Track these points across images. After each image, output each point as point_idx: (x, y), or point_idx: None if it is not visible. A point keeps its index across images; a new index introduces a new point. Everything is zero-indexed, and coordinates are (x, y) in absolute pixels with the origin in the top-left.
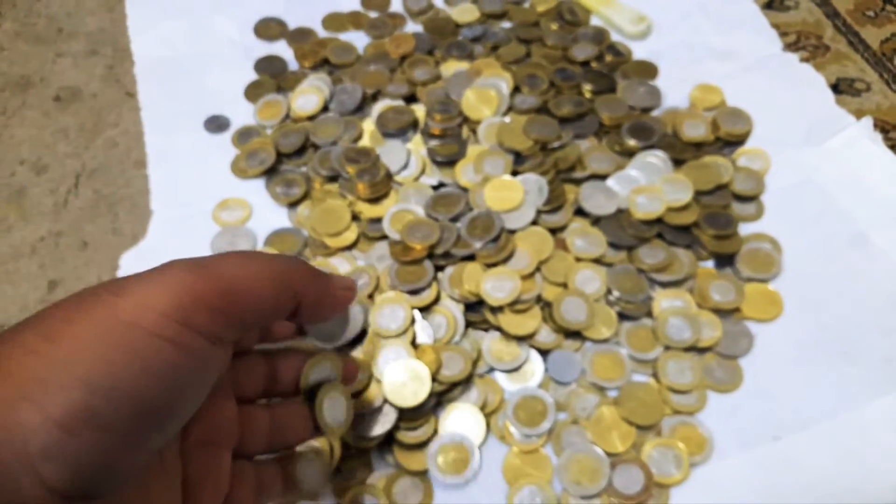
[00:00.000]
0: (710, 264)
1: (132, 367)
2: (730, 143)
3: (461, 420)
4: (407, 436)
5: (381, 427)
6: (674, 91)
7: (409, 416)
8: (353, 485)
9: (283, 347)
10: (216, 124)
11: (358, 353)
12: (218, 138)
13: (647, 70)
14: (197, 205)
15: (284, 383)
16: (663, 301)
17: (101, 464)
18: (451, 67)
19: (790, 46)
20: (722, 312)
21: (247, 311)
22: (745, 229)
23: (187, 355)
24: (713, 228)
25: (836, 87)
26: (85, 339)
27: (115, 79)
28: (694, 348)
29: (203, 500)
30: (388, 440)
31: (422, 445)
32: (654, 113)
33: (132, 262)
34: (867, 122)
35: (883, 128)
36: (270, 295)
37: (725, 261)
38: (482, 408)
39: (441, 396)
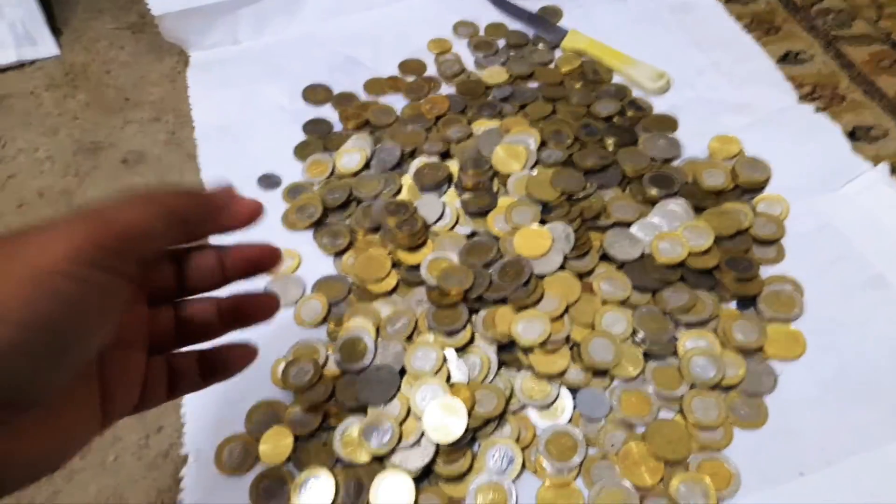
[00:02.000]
0: (732, 306)
1: (40, 301)
2: (749, 190)
3: (498, 455)
4: (445, 469)
5: (420, 460)
6: (693, 142)
7: (446, 450)
8: None
9: (195, 245)
10: (269, 182)
11: (397, 396)
12: (270, 194)
13: (667, 123)
14: None
15: (195, 279)
16: (688, 341)
17: (25, 382)
18: (482, 126)
19: (806, 97)
20: (746, 352)
21: (138, 245)
22: (766, 272)
23: (88, 287)
24: (735, 271)
25: (852, 135)
26: None
27: (176, 143)
28: (719, 386)
29: (118, 398)
30: (428, 472)
31: (459, 478)
32: (675, 163)
33: None
34: (883, 167)
35: None
36: (159, 226)
37: (748, 302)
38: (516, 441)
39: (476, 432)
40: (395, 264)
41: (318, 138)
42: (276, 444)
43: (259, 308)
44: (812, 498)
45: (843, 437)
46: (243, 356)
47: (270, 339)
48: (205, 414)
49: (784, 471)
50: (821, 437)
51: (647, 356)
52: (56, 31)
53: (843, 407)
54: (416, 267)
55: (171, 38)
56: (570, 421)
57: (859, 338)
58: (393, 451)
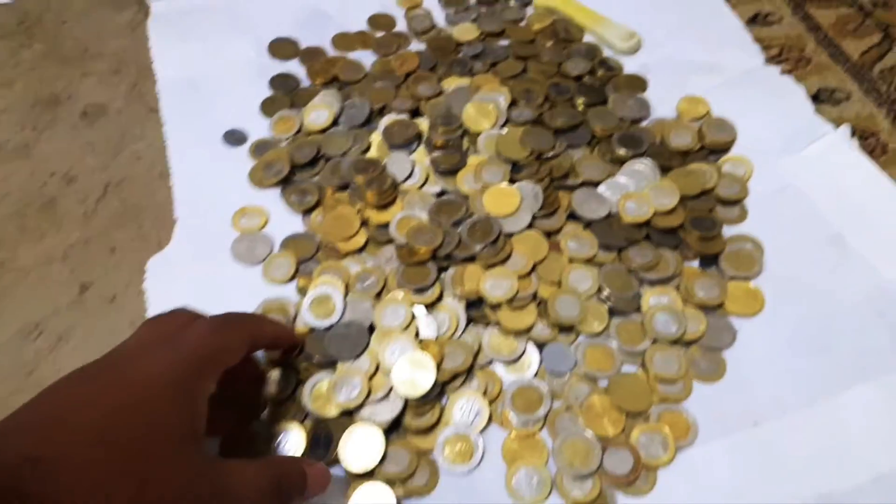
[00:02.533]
0: (695, 264)
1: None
2: (715, 151)
3: (466, 407)
4: (414, 422)
5: (389, 413)
6: (662, 103)
7: (415, 404)
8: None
9: None
10: (234, 138)
11: (366, 351)
12: (236, 151)
13: (637, 84)
14: (217, 212)
15: None
16: (651, 298)
17: None
18: (452, 83)
19: (773, 59)
20: (706, 308)
21: (225, 365)
22: (728, 231)
23: (185, 403)
24: (698, 230)
25: (816, 97)
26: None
27: (138, 96)
28: (680, 341)
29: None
30: (397, 425)
31: (428, 430)
32: (644, 124)
33: (159, 267)
34: (845, 129)
35: (861, 135)
36: (242, 352)
37: (710, 260)
38: (483, 394)
39: (445, 386)
40: (364, 222)
41: (285, 94)
42: None
43: None
44: (764, 446)
45: (797, 389)
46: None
47: (239, 296)
48: None
49: (739, 421)
50: (775, 390)
51: (612, 312)
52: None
53: (798, 361)
54: (386, 225)
55: None
56: (536, 375)
57: (816, 295)
58: (362, 405)
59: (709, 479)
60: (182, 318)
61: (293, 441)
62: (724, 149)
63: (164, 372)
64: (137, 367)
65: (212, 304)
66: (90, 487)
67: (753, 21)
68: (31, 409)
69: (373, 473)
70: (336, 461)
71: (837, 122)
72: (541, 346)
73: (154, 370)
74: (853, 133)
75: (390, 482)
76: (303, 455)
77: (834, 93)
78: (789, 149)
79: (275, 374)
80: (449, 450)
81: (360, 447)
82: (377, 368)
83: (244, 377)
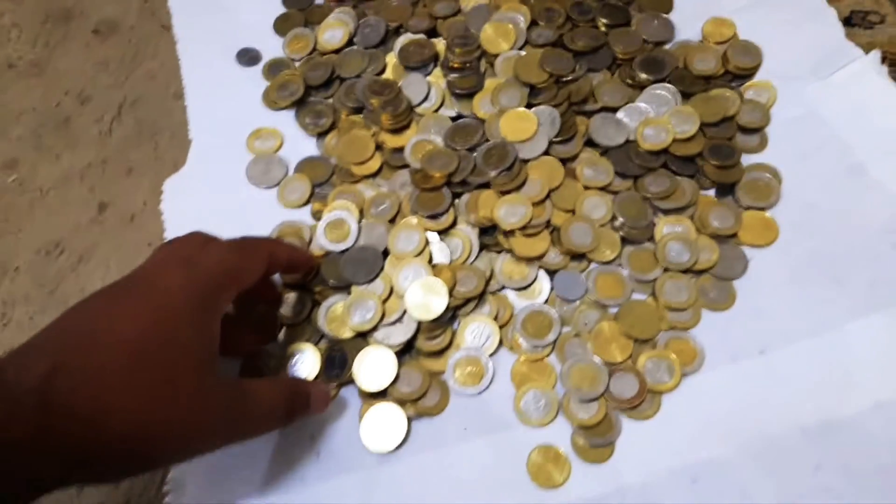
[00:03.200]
0: (711, 193)
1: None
2: (738, 76)
3: (477, 331)
4: (426, 345)
5: (402, 335)
6: (687, 25)
7: (427, 327)
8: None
9: None
10: (248, 57)
11: (380, 275)
12: (250, 71)
13: (662, 3)
14: (232, 134)
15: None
16: (665, 227)
17: None
18: (470, 2)
19: None
20: (720, 238)
21: (239, 286)
22: (747, 160)
23: (202, 323)
24: (716, 159)
25: (849, 20)
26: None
27: (150, 12)
28: (691, 270)
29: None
30: (409, 347)
31: (440, 353)
32: (667, 46)
33: (175, 188)
34: (875, 55)
35: (892, 61)
36: (259, 271)
37: (727, 190)
38: (494, 319)
39: (457, 310)
40: (379, 146)
41: (299, 11)
42: None
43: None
44: (770, 374)
45: (806, 318)
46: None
47: (254, 220)
48: None
49: (746, 349)
50: (784, 319)
51: (625, 241)
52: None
53: (808, 290)
54: (400, 149)
55: None
56: (547, 302)
57: (832, 224)
58: (376, 327)
59: (712, 405)
60: (198, 241)
61: (308, 362)
62: (748, 74)
63: (181, 292)
64: (156, 288)
65: (228, 227)
66: (114, 397)
67: None
68: (58, 326)
69: (385, 393)
70: (350, 381)
71: (869, 47)
72: (552, 273)
73: (172, 290)
74: (884, 59)
75: (402, 402)
76: (318, 375)
77: (867, 15)
78: (816, 75)
79: (291, 297)
80: (459, 372)
81: (373, 368)
82: (391, 292)
83: (261, 299)
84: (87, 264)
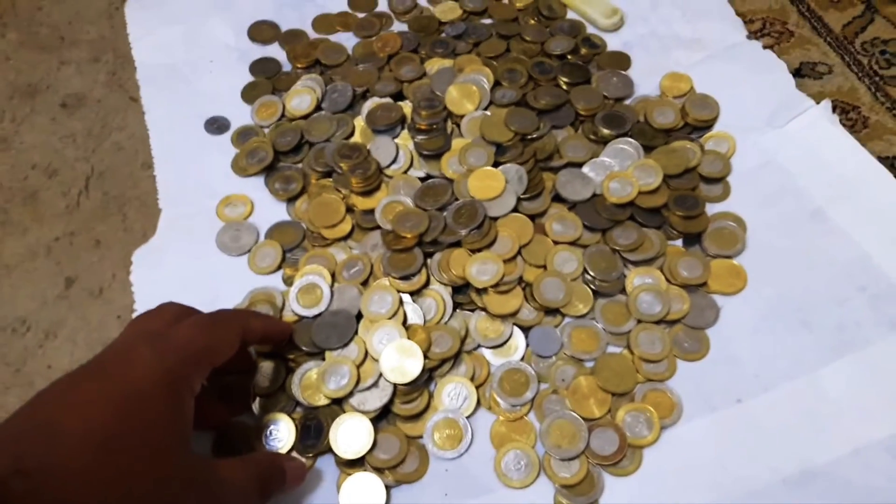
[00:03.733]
0: (679, 243)
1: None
2: (698, 128)
3: (454, 392)
4: (403, 408)
5: (378, 400)
6: (645, 80)
7: (403, 391)
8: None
9: None
10: (216, 125)
11: (354, 339)
12: (218, 139)
13: (621, 61)
14: (202, 202)
15: None
16: (635, 278)
17: None
18: (435, 65)
19: (756, 33)
20: (690, 287)
21: (212, 364)
22: (712, 209)
23: (173, 405)
24: (682, 209)
25: (799, 71)
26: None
27: (118, 84)
28: (664, 321)
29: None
30: (386, 412)
31: (417, 416)
32: (627, 102)
33: (145, 258)
34: (826, 104)
35: (843, 109)
36: (232, 349)
37: (693, 239)
38: (471, 379)
39: (433, 372)
40: (349, 209)
41: (267, 79)
42: None
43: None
44: (748, 422)
45: (779, 364)
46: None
47: (226, 287)
48: None
49: (723, 398)
50: (758, 366)
51: (597, 294)
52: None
53: (779, 336)
54: (371, 211)
55: None
56: (523, 358)
57: (798, 270)
58: (351, 393)
59: (693, 457)
60: (170, 315)
61: (283, 432)
62: (707, 125)
63: (151, 373)
64: (126, 370)
65: (199, 296)
66: (77, 496)
67: None
68: (21, 418)
69: (363, 461)
70: (327, 450)
71: (819, 96)
72: (527, 329)
73: (142, 372)
74: (834, 108)
75: (380, 470)
76: (294, 445)
77: (816, 66)
78: (771, 124)
79: (265, 366)
80: (438, 435)
81: (349, 436)
82: (365, 356)
83: (235, 370)
84: (54, 341)
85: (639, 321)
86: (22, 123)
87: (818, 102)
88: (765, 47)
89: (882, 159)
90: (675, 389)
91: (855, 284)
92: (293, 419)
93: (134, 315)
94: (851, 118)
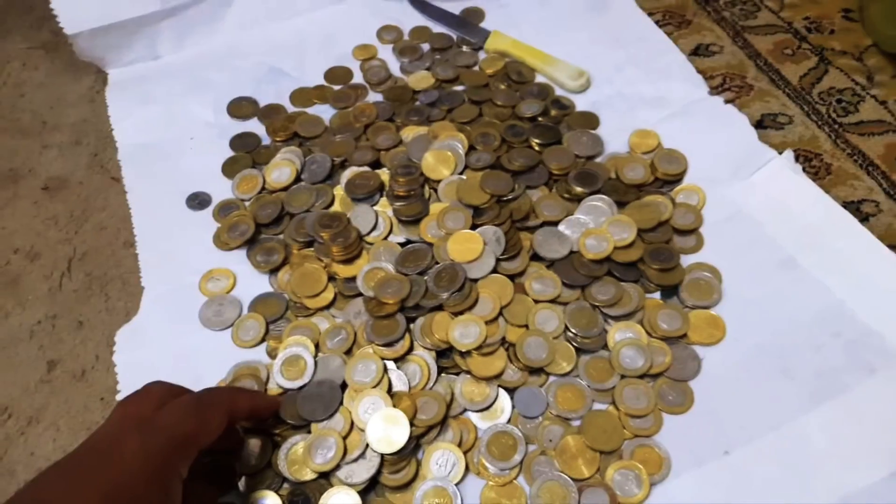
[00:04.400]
0: (657, 295)
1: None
2: (668, 182)
3: (442, 460)
4: (391, 478)
5: (366, 472)
6: (614, 138)
7: (391, 460)
8: None
9: None
10: (197, 201)
11: (339, 409)
12: (200, 214)
13: (590, 120)
14: (184, 278)
15: None
16: (616, 333)
17: None
18: (410, 132)
19: (717, 88)
20: (670, 339)
21: (201, 447)
22: (686, 260)
23: (160, 491)
24: (657, 262)
25: (760, 123)
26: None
27: (99, 165)
28: (647, 375)
29: None
30: (374, 483)
31: (405, 486)
32: (598, 160)
33: (128, 338)
34: (788, 154)
35: (806, 157)
36: (218, 432)
37: (671, 291)
38: (458, 445)
39: (420, 439)
40: (332, 277)
41: (247, 153)
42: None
43: None
44: (737, 474)
45: (763, 413)
46: None
47: (210, 362)
48: None
49: (710, 451)
50: (742, 416)
51: (579, 351)
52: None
53: (761, 385)
54: (353, 279)
55: (87, 58)
56: (510, 421)
57: (773, 317)
58: (338, 466)
59: None
60: (155, 397)
61: None
62: (676, 179)
63: (137, 459)
64: (114, 458)
65: (183, 373)
66: None
67: (696, 52)
68: None
69: None
70: None
71: (782, 146)
72: (512, 390)
73: (130, 460)
74: (797, 157)
75: None
76: None
77: (777, 117)
78: (737, 176)
79: (252, 443)
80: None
81: None
82: (351, 426)
83: (223, 448)
84: (37, 427)
85: (622, 376)
86: (4, 208)
87: (781, 152)
88: (726, 102)
89: (847, 204)
90: (662, 444)
91: (829, 331)
92: (280, 496)
93: (118, 397)
94: (815, 166)
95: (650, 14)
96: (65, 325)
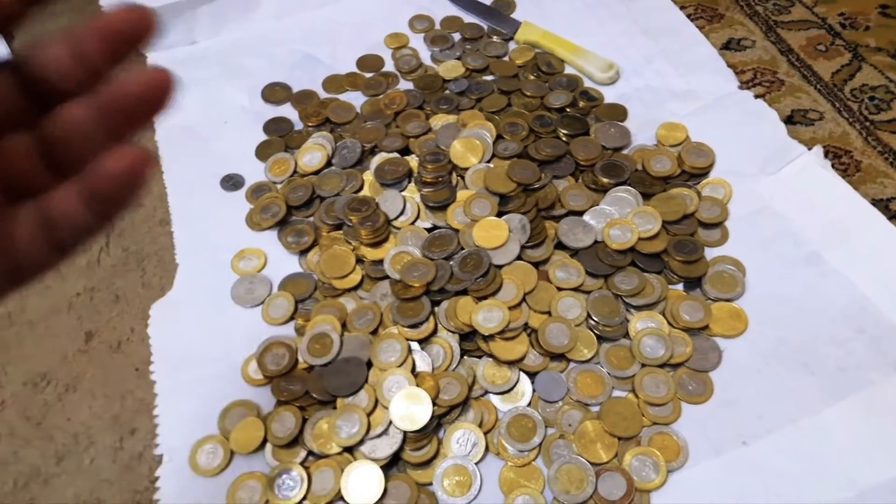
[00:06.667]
0: (680, 287)
1: None
2: (694, 175)
3: (463, 439)
4: (412, 455)
5: (389, 448)
6: (642, 130)
7: (413, 438)
8: None
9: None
10: (231, 182)
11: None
12: (233, 195)
13: (618, 112)
14: (217, 256)
15: (45, 79)
16: (638, 323)
17: None
18: (439, 120)
19: (748, 83)
20: (692, 331)
21: None
22: (710, 253)
23: None
24: (681, 255)
25: (791, 118)
26: None
27: (137, 146)
28: (667, 364)
29: None
30: (396, 459)
31: (426, 463)
32: (625, 151)
33: (162, 312)
34: (818, 150)
35: (835, 154)
36: None
37: (694, 283)
38: (479, 425)
39: (441, 418)
40: (359, 260)
41: (280, 137)
42: (248, 435)
43: (148, 86)
44: (754, 465)
45: (783, 406)
46: (134, 156)
47: (240, 338)
48: (178, 415)
49: (728, 441)
50: (762, 408)
51: (601, 339)
52: (6, 34)
53: (781, 378)
54: (380, 262)
55: None
56: (530, 404)
57: (797, 312)
58: (362, 441)
59: (700, 500)
60: None
61: (295, 481)
62: (703, 173)
63: None
64: None
65: (214, 347)
66: None
67: (727, 47)
68: None
69: None
70: (339, 498)
71: (811, 142)
72: (533, 374)
73: None
74: (826, 153)
75: None
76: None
77: (807, 113)
78: (765, 171)
79: (285, 416)
80: (448, 482)
81: (360, 483)
82: (376, 404)
83: None
84: (74, 394)
85: (643, 365)
86: None
87: (810, 148)
88: (756, 96)
89: (875, 202)
90: (680, 432)
91: (854, 326)
92: (305, 468)
93: (152, 368)
94: (844, 163)
95: (682, 7)
96: (102, 297)
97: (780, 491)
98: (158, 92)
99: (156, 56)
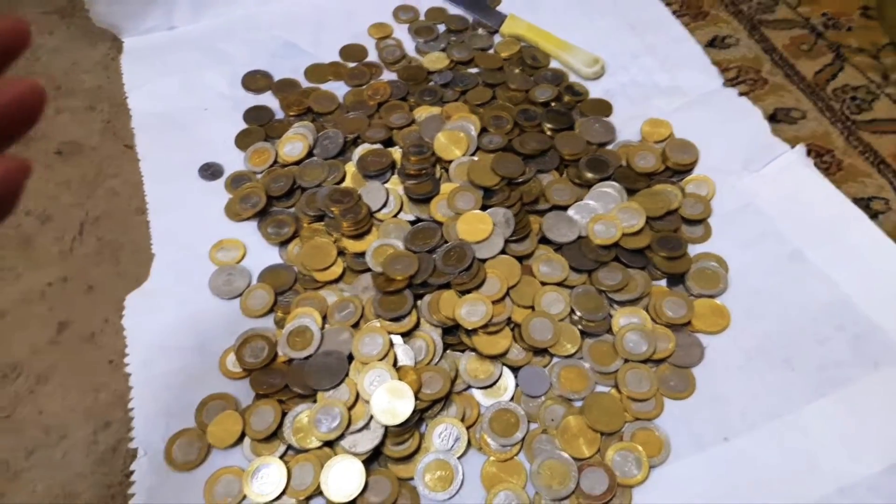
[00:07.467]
0: (663, 283)
1: None
2: (678, 171)
3: (445, 434)
4: (394, 450)
5: (370, 442)
6: (626, 126)
7: (394, 432)
8: None
9: None
10: (210, 171)
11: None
12: (212, 184)
13: (603, 108)
14: (195, 247)
15: None
16: (621, 318)
17: None
18: (423, 112)
19: (731, 81)
20: (675, 326)
21: None
22: (693, 250)
23: None
24: (665, 250)
25: (774, 117)
26: None
27: (112, 132)
28: (650, 360)
29: None
30: (377, 454)
31: (408, 458)
32: (610, 147)
33: (137, 303)
34: (800, 149)
35: (817, 152)
36: None
37: (677, 279)
38: (461, 420)
39: (423, 413)
40: (341, 252)
41: (260, 126)
42: (225, 428)
43: (22, 101)
44: (736, 460)
45: (765, 402)
46: (6, 167)
47: (218, 330)
48: (154, 408)
49: (710, 436)
50: (744, 404)
51: (584, 334)
52: None
53: (764, 374)
54: (362, 254)
55: (103, 24)
56: (513, 399)
57: (779, 309)
58: (342, 435)
59: (682, 496)
60: None
61: (274, 476)
62: (687, 169)
63: None
64: None
65: (191, 339)
66: None
67: (712, 44)
68: None
69: (355, 503)
70: (318, 493)
71: (794, 141)
72: (516, 369)
73: None
74: (809, 152)
75: None
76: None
77: (790, 112)
78: (748, 168)
79: (263, 410)
80: (429, 476)
81: (341, 478)
82: (357, 398)
83: None
84: (45, 386)
85: (626, 360)
86: None
87: (793, 147)
88: (740, 94)
89: (857, 201)
90: (663, 428)
91: (834, 324)
92: (285, 462)
93: (126, 360)
94: (826, 161)
95: (667, 4)
96: (75, 287)
97: (762, 487)
98: (29, 107)
99: (133, 41)
